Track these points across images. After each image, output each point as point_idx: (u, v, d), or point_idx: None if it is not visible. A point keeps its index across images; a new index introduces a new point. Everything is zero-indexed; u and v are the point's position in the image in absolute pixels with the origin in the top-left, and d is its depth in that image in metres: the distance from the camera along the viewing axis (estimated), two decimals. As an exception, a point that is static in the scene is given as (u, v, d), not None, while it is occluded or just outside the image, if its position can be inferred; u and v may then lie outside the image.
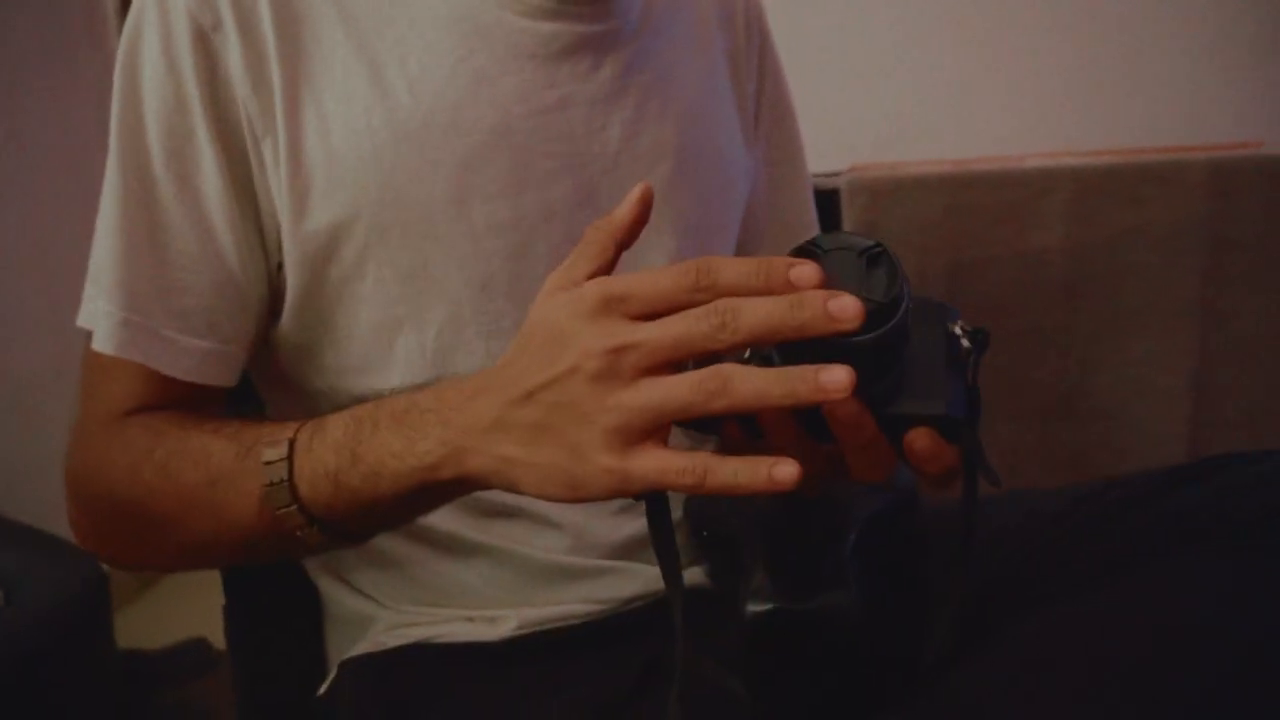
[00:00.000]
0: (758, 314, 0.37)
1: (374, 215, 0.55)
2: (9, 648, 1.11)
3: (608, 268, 0.42)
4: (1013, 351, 1.17)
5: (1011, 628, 0.49)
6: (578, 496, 0.41)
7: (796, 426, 0.42)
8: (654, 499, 0.42)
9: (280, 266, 0.57)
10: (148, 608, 1.86)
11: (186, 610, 1.77)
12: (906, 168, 1.20)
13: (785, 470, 0.37)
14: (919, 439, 0.40)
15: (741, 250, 0.72)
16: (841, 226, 1.18)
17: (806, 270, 0.37)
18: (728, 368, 0.38)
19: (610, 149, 0.59)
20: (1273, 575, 0.46)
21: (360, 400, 0.51)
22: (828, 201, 1.18)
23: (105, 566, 1.26)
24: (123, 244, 0.54)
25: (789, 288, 0.37)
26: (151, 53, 0.54)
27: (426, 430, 0.44)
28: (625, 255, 0.45)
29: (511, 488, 0.42)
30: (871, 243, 0.39)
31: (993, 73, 1.54)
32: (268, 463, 0.48)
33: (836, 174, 1.20)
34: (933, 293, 1.18)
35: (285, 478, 0.48)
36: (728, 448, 0.43)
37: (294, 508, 0.48)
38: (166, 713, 1.48)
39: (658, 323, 0.38)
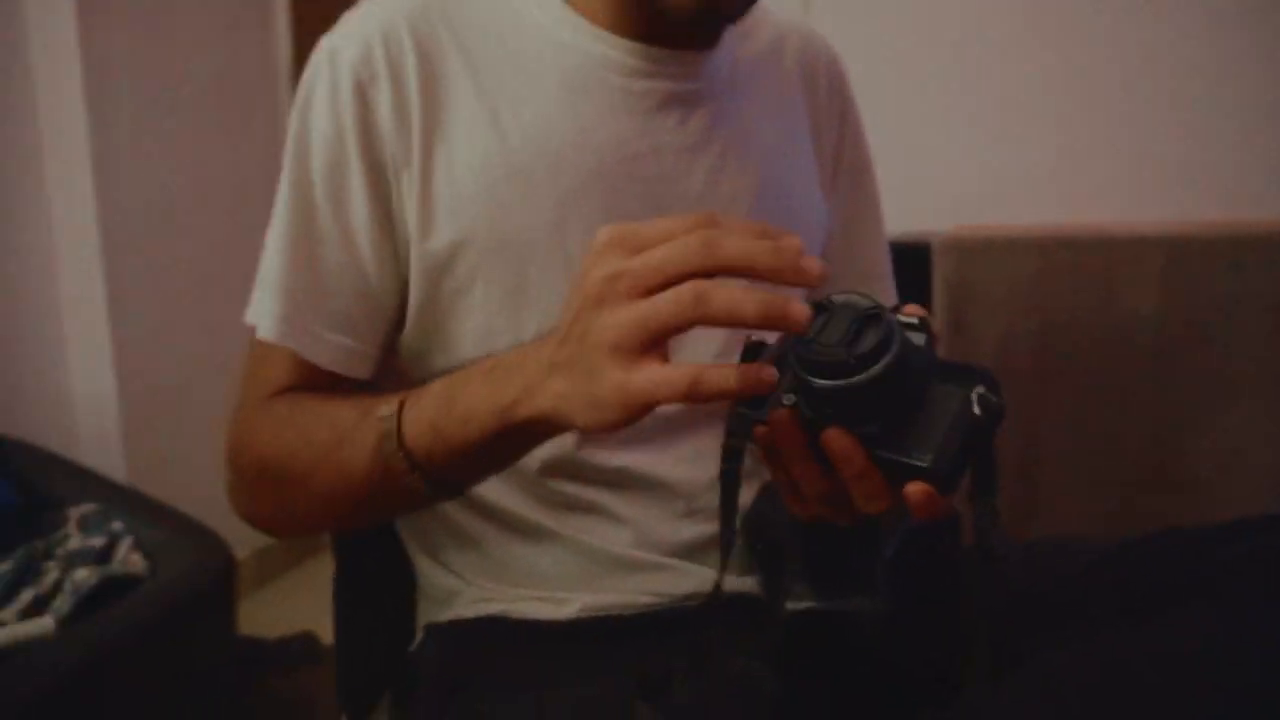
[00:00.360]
0: (738, 245, 0.42)
1: (485, 239, 0.64)
2: (149, 613, 1.25)
3: None
4: (1103, 417, 1.18)
5: (1044, 655, 0.51)
6: (603, 419, 0.46)
7: (813, 461, 0.47)
8: (726, 472, 0.48)
9: (408, 281, 0.66)
10: (266, 599, 2.02)
11: (299, 605, 1.93)
12: (999, 229, 1.23)
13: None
14: (913, 488, 0.44)
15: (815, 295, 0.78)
16: (932, 283, 1.22)
17: (811, 263, 0.43)
18: (703, 283, 0.42)
19: (693, 192, 0.67)
20: None
21: None
22: (920, 258, 1.22)
23: (233, 553, 1.40)
24: (287, 255, 0.65)
25: (780, 250, 0.43)
26: (321, 99, 0.65)
27: (509, 378, 0.51)
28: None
29: (568, 423, 0.48)
30: (872, 305, 0.45)
31: (1089, 141, 1.56)
32: (381, 417, 0.57)
33: (931, 233, 1.24)
34: (1021, 352, 1.21)
35: (394, 428, 0.56)
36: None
37: (401, 454, 0.55)
38: (273, 696, 1.60)
39: (648, 251, 0.44)
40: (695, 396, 0.43)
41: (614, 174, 0.65)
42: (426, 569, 0.72)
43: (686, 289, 0.42)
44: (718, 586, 0.51)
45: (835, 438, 0.44)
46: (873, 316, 0.44)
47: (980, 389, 0.46)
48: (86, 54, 1.67)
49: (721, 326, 0.43)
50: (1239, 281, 1.10)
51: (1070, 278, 1.17)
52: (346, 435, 0.58)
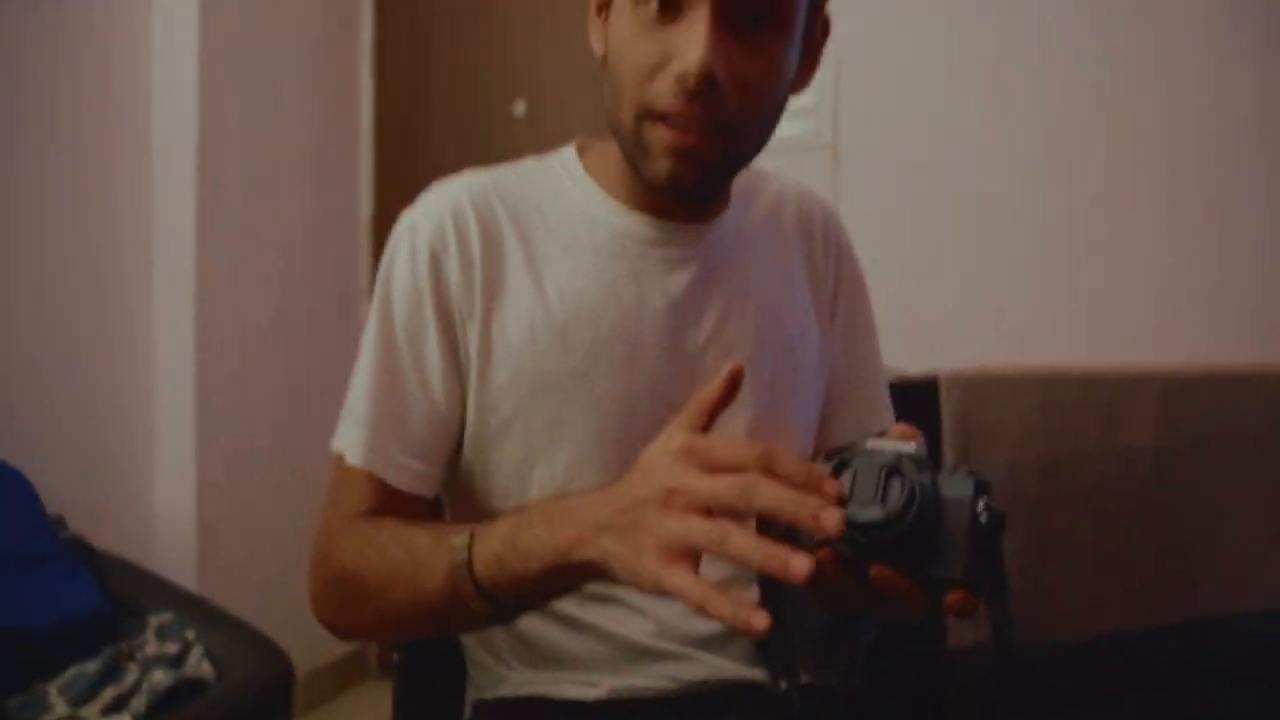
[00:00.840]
0: (769, 497, 0.52)
1: (529, 382, 0.77)
2: (216, 715, 1.35)
3: (702, 431, 0.59)
4: (1108, 542, 1.24)
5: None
6: (635, 585, 0.56)
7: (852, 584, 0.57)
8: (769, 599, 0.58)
9: (465, 412, 0.79)
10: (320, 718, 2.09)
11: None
12: (1003, 367, 1.34)
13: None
14: (954, 597, 0.55)
15: (825, 415, 0.90)
16: (941, 417, 1.32)
17: (830, 486, 0.54)
18: (730, 528, 0.52)
19: (701, 339, 0.80)
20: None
21: (501, 512, 0.70)
22: (929, 394, 1.33)
23: (294, 666, 1.50)
24: (372, 392, 0.78)
25: (816, 491, 0.52)
26: (402, 263, 0.80)
27: (566, 525, 0.61)
28: (719, 419, 0.62)
29: (610, 575, 0.59)
30: (892, 455, 0.56)
31: (1090, 285, 1.69)
32: (453, 546, 0.66)
33: (940, 371, 1.35)
34: (1028, 483, 1.29)
35: (465, 559, 0.65)
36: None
37: (470, 581, 0.65)
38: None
39: (707, 479, 0.54)
40: (703, 609, 0.51)
41: (635, 327, 0.78)
42: (477, 656, 0.83)
43: (717, 529, 0.52)
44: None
45: (880, 573, 0.55)
46: (894, 471, 0.55)
47: (982, 501, 0.56)
48: (201, 204, 1.92)
49: (733, 563, 0.53)
50: (1227, 417, 1.19)
51: (1072, 413, 1.26)
52: (422, 559, 0.68)
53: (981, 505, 0.55)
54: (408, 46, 2.32)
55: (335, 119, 2.30)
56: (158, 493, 1.93)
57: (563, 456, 0.77)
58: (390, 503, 0.76)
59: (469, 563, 0.64)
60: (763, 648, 0.77)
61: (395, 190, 2.34)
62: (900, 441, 0.58)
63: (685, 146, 0.71)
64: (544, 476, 0.77)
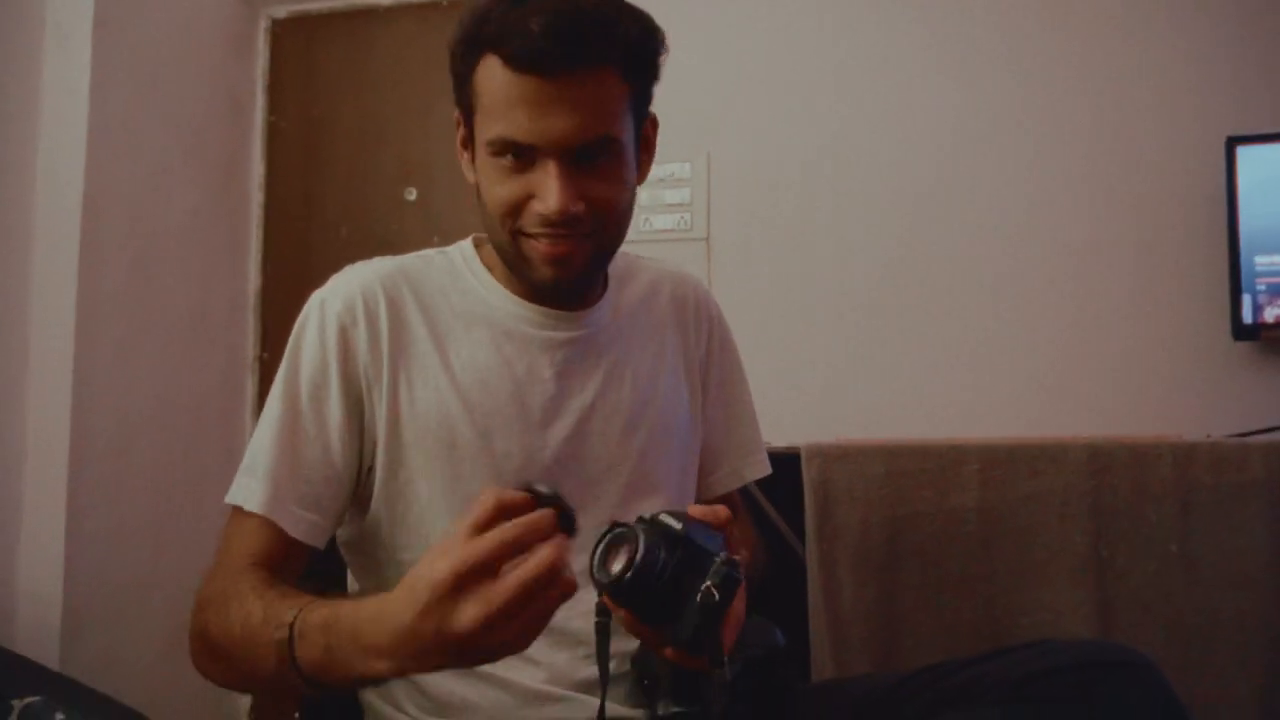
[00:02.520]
0: (495, 539, 0.60)
1: (434, 440, 0.87)
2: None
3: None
4: (945, 596, 1.41)
5: None
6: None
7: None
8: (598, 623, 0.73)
9: (370, 470, 0.88)
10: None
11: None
12: (853, 441, 1.51)
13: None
14: (668, 651, 0.71)
15: (704, 467, 1.03)
16: (803, 483, 1.48)
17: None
18: (505, 581, 0.59)
19: (585, 407, 0.92)
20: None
21: (410, 563, 0.77)
22: (793, 463, 1.48)
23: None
24: (275, 448, 0.85)
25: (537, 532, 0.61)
26: (311, 333, 0.89)
27: (377, 656, 0.63)
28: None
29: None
30: (633, 530, 0.69)
31: (928, 373, 1.92)
32: (277, 626, 0.69)
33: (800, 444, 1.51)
34: (877, 541, 1.45)
35: (288, 652, 0.68)
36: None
37: (294, 669, 0.68)
38: None
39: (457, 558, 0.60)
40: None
41: (526, 395, 0.90)
42: (374, 703, 0.89)
43: (500, 585, 0.60)
44: (601, 712, 0.75)
45: (626, 618, 0.71)
46: (622, 542, 0.69)
47: (710, 584, 0.68)
48: (82, 286, 1.90)
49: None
50: (1037, 482, 1.38)
51: (911, 479, 1.43)
52: (253, 635, 0.72)
53: (709, 585, 0.68)
54: (301, 130, 2.38)
55: (224, 199, 2.31)
56: (21, 574, 1.86)
57: (459, 509, 0.84)
58: (282, 550, 0.83)
59: (293, 659, 0.68)
60: (640, 688, 0.87)
61: (284, 269, 2.37)
62: (672, 520, 0.71)
63: (559, 255, 0.84)
64: (447, 532, 0.86)
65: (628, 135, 0.85)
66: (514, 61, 0.78)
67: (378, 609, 0.63)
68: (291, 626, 0.68)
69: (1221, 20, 1.87)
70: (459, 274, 0.94)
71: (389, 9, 2.35)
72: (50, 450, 1.87)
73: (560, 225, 0.82)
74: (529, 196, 0.82)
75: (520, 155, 0.81)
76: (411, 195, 2.27)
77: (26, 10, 1.91)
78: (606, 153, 0.83)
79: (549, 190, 0.80)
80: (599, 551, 0.69)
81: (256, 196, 2.40)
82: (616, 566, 0.68)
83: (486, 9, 0.81)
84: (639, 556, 0.67)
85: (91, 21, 1.91)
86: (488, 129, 0.82)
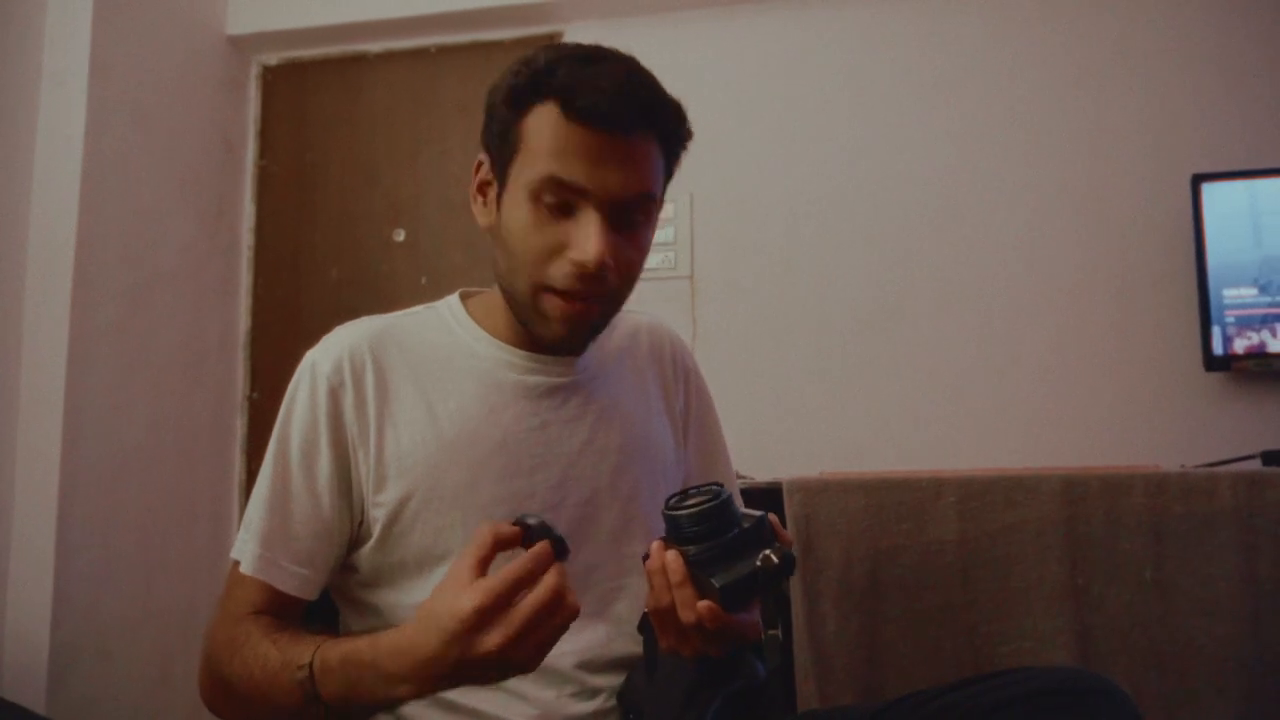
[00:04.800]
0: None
1: (423, 494, 0.89)
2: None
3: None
4: (927, 626, 1.43)
5: None
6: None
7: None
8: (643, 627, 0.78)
9: (361, 523, 0.91)
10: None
11: None
12: (835, 475, 1.54)
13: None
14: (703, 604, 0.71)
15: None
16: (784, 517, 1.50)
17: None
18: (520, 609, 0.68)
19: (573, 451, 0.94)
20: None
21: (410, 607, 0.82)
22: (775, 497, 1.50)
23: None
24: (266, 510, 0.89)
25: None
26: (303, 396, 0.91)
27: (400, 681, 0.71)
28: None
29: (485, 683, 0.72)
30: (714, 489, 0.75)
31: (909, 405, 1.96)
32: (299, 666, 0.77)
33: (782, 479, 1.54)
34: (859, 573, 1.48)
35: (311, 688, 0.75)
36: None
37: (320, 705, 0.75)
38: None
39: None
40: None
41: (514, 443, 0.92)
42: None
43: (517, 612, 0.68)
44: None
45: (659, 551, 0.73)
46: (706, 490, 0.75)
47: (770, 551, 0.73)
48: (74, 326, 1.92)
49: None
50: (1013, 513, 1.41)
51: (891, 512, 1.46)
52: (274, 677, 0.79)
53: (770, 553, 0.73)
54: (292, 172, 2.43)
55: (215, 240, 2.35)
56: (8, 615, 1.86)
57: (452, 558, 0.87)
58: (276, 603, 0.87)
59: (316, 695, 0.76)
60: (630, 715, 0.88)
61: (275, 310, 2.40)
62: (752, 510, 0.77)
63: (578, 314, 0.87)
64: (442, 575, 0.88)
65: (660, 205, 0.90)
66: (580, 113, 0.81)
67: (396, 641, 0.71)
68: (310, 666, 0.76)
69: (1185, 65, 1.94)
70: (447, 327, 0.97)
71: (378, 56, 2.41)
72: (40, 488, 1.88)
73: (590, 279, 0.84)
74: (563, 246, 0.84)
75: (563, 200, 0.83)
76: (400, 236, 2.31)
77: (24, 56, 1.96)
78: (643, 211, 0.87)
79: (588, 238, 0.83)
80: (679, 494, 0.76)
81: (247, 238, 2.43)
82: (696, 499, 0.74)
83: (552, 62, 0.84)
84: (720, 499, 0.74)
85: (88, 67, 1.95)
86: (534, 169, 0.83)
